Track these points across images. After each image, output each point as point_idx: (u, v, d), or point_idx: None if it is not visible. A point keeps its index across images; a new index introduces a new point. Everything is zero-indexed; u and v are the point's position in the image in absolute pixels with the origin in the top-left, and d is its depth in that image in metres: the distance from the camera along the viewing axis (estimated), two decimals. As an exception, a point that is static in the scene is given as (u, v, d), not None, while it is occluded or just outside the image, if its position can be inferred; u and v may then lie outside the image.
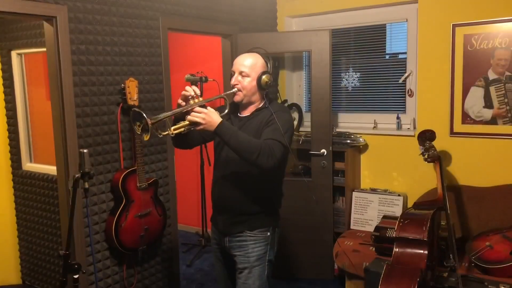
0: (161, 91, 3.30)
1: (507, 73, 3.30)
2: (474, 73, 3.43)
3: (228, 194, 2.30)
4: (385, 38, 3.99)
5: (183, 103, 2.11)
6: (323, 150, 3.76)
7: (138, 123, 1.98)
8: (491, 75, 3.37)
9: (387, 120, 3.97)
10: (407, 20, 3.80)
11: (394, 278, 2.54)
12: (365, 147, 4.01)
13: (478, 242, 3.10)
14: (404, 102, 3.91)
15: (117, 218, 2.92)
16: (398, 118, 3.85)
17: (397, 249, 2.73)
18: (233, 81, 2.30)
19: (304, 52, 4.34)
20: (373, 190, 3.88)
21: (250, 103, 2.33)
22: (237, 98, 2.30)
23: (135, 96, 2.99)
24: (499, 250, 2.96)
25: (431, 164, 3.70)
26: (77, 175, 1.87)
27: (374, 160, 3.97)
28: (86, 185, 1.90)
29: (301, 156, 4.08)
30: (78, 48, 2.80)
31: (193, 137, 2.38)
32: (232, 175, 2.29)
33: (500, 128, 3.39)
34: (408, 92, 3.85)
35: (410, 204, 3.77)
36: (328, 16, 4.14)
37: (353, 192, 3.91)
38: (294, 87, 4.48)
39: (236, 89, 2.29)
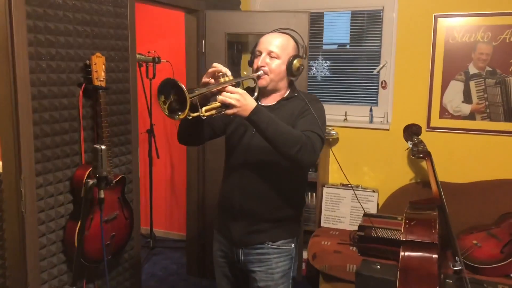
0: (127, 70, 2.77)
1: (488, 68, 3.27)
2: (454, 67, 3.36)
3: (249, 196, 1.92)
4: (361, 25, 3.79)
5: (212, 81, 1.70)
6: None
7: (163, 98, 1.54)
8: (472, 70, 3.31)
9: (358, 113, 3.79)
10: (383, 8, 3.63)
11: (413, 286, 2.33)
12: (335, 140, 3.80)
13: (464, 240, 3.03)
14: (377, 94, 3.75)
15: (81, 224, 2.37)
16: (371, 110, 3.68)
17: (404, 253, 2.52)
18: (259, 63, 1.91)
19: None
20: (345, 186, 3.68)
21: (274, 90, 1.96)
22: (262, 83, 1.92)
23: (102, 76, 2.45)
24: (488, 249, 2.91)
25: (404, 159, 3.62)
26: (91, 181, 1.37)
27: (344, 154, 3.78)
28: (102, 195, 1.41)
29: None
30: (34, 11, 2.19)
31: (203, 128, 1.96)
32: (254, 173, 1.91)
33: (478, 124, 3.36)
34: (381, 84, 3.69)
35: (381, 201, 3.64)
36: (296, -1, 3.85)
37: (324, 188, 3.68)
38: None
39: (261, 71, 1.90)
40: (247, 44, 4.04)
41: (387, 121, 3.65)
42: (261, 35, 2.02)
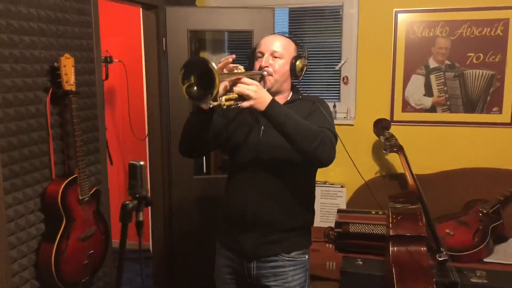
0: (92, 72, 2.54)
1: (447, 62, 3.38)
2: (415, 61, 3.44)
3: (263, 204, 1.80)
4: (320, 21, 3.77)
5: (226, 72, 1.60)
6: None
7: (187, 82, 1.44)
8: (432, 64, 3.41)
9: (321, 109, 3.78)
10: (343, 4, 3.64)
11: (410, 282, 2.35)
12: (300, 137, 3.76)
13: (436, 230, 3.11)
14: (339, 90, 3.76)
15: (57, 245, 2.13)
16: (334, 106, 3.69)
17: (394, 248, 2.54)
18: (263, 63, 1.81)
19: (225, 33, 3.89)
20: (313, 183, 3.66)
21: (277, 92, 1.87)
22: (266, 84, 1.82)
23: (72, 79, 2.21)
24: (461, 237, 3.01)
25: (369, 154, 3.67)
26: (131, 204, 1.19)
27: (309, 151, 3.74)
28: (141, 217, 1.23)
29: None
30: (-4, 7, 1.93)
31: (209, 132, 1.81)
32: (267, 178, 1.80)
33: (439, 116, 3.47)
34: (343, 80, 3.71)
35: (348, 196, 3.66)
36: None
37: (292, 186, 3.63)
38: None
39: (265, 72, 1.80)
40: (204, 42, 3.89)
41: (350, 117, 3.67)
42: (225, 32, 1.92)
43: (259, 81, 1.81)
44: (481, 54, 3.31)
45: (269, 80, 1.82)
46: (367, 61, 3.56)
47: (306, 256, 1.89)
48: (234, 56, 1.62)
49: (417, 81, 3.46)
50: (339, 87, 3.75)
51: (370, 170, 3.65)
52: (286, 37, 1.92)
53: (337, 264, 2.95)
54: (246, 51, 4.03)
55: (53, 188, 2.17)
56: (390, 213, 2.63)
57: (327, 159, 1.67)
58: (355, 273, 2.82)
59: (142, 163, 1.23)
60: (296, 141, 1.61)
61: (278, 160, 1.80)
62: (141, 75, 3.93)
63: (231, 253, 1.89)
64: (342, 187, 3.60)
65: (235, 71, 1.61)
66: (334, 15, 3.71)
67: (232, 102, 1.55)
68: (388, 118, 3.51)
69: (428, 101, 3.47)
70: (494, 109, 3.34)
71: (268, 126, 1.82)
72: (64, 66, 2.16)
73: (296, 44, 1.93)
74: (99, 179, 2.61)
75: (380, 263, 2.88)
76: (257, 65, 1.85)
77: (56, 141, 2.27)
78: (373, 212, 3.20)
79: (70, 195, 2.19)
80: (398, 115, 3.53)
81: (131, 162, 1.22)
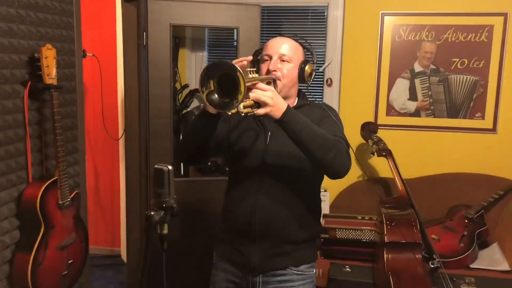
0: (73, 65, 2.34)
1: (432, 66, 3.37)
2: (400, 65, 3.41)
3: (270, 214, 1.67)
4: (304, 21, 3.68)
5: None
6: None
7: (206, 88, 1.34)
8: (417, 68, 3.39)
9: (304, 111, 3.69)
10: (328, 4, 3.56)
11: (408, 289, 2.29)
12: (282, 139, 3.66)
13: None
14: (322, 92, 3.68)
15: (35, 255, 1.93)
16: (318, 108, 3.60)
17: (389, 255, 2.47)
18: (271, 66, 1.69)
19: (206, 30, 3.74)
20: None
21: (285, 98, 1.74)
22: None
23: (54, 72, 2.01)
24: (447, 242, 2.99)
25: (352, 157, 3.60)
26: (157, 215, 1.02)
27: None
28: (166, 230, 1.07)
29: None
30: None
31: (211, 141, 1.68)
32: (275, 187, 1.68)
33: (423, 120, 3.45)
34: (327, 82, 3.64)
35: (331, 200, 3.59)
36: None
37: (274, 190, 3.52)
38: (194, 70, 3.82)
39: (273, 76, 1.69)
40: (184, 39, 3.72)
41: (334, 119, 3.60)
42: (210, 27, 1.80)
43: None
44: (465, 60, 3.31)
45: (277, 85, 1.70)
46: (351, 63, 3.50)
47: (314, 270, 1.78)
48: (250, 58, 1.50)
49: (401, 85, 3.43)
50: (322, 89, 3.67)
51: (353, 174, 3.59)
52: (294, 39, 1.80)
53: (324, 271, 2.87)
54: (226, 49, 3.93)
55: (30, 192, 1.96)
56: (384, 219, 2.57)
57: (343, 170, 1.57)
58: (344, 281, 2.74)
59: (170, 167, 1.07)
60: (312, 151, 1.51)
61: (286, 169, 1.69)
62: (116, 71, 3.73)
63: (233, 267, 1.75)
64: (325, 191, 3.52)
65: (250, 75, 1.48)
66: (319, 16, 3.63)
67: (249, 109, 1.42)
68: (372, 121, 3.47)
69: (412, 105, 3.44)
70: (477, 114, 3.35)
71: (275, 132, 1.71)
72: (45, 58, 1.97)
73: (304, 47, 1.82)
74: (77, 181, 2.41)
75: (369, 269, 2.82)
76: (263, 68, 1.73)
77: (34, 139, 2.06)
78: (359, 217, 3.14)
79: (49, 199, 2.00)
80: (382, 118, 3.49)
81: (157, 166, 1.06)
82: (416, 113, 3.45)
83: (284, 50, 1.73)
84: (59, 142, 2.02)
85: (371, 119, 3.48)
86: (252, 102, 1.43)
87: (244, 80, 1.27)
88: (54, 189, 2.02)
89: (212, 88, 1.34)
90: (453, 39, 3.32)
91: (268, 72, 1.70)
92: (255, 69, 1.51)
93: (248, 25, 3.17)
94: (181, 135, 3.59)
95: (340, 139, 1.61)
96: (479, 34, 3.28)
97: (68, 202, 2.08)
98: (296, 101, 1.83)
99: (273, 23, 3.68)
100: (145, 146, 3.17)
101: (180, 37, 3.64)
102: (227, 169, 1.89)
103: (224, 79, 1.32)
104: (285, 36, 1.80)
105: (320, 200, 1.85)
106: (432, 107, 3.42)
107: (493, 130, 3.33)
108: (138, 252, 3.31)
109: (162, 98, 3.08)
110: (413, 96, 3.43)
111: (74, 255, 2.17)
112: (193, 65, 3.82)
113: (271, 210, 1.67)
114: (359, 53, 3.46)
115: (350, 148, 1.69)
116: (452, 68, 3.34)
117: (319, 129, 1.55)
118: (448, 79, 3.36)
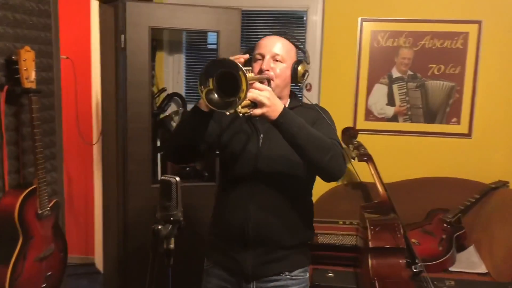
0: (51, 68, 2.25)
1: (410, 72, 3.41)
2: (379, 70, 3.44)
3: (265, 220, 1.64)
4: (284, 26, 3.67)
5: None
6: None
7: (204, 87, 1.29)
8: (395, 73, 3.43)
9: (283, 115, 3.68)
10: (307, 9, 3.57)
11: (394, 296, 2.29)
12: (261, 144, 3.63)
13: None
14: (301, 97, 3.66)
15: (13, 268, 1.84)
16: (297, 113, 3.60)
17: (374, 261, 2.47)
18: (264, 66, 1.66)
19: (183, 33, 3.68)
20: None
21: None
22: None
23: (33, 75, 1.93)
24: (427, 246, 3.02)
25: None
26: (164, 230, 0.97)
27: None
28: (172, 245, 1.01)
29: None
30: None
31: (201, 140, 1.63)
32: (268, 192, 1.66)
33: (400, 125, 3.49)
34: (306, 87, 3.63)
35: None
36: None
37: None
38: (171, 74, 3.75)
39: (268, 76, 1.66)
40: (161, 42, 3.65)
41: (313, 124, 3.61)
42: (190, 31, 1.76)
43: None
44: (442, 66, 3.37)
45: (271, 85, 1.67)
46: (331, 68, 3.51)
47: (307, 274, 1.77)
48: (247, 56, 1.47)
49: (380, 90, 3.46)
50: (302, 94, 3.66)
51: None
52: (287, 39, 1.78)
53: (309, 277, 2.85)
54: (203, 52, 3.87)
55: (8, 201, 1.87)
56: (368, 225, 2.57)
57: (339, 172, 1.56)
58: (327, 286, 2.73)
59: (178, 179, 1.02)
60: (309, 154, 1.49)
61: (279, 173, 1.66)
62: (90, 74, 3.63)
63: (226, 273, 1.71)
64: (305, 196, 3.51)
65: (247, 74, 1.44)
66: (298, 20, 3.63)
67: (247, 109, 1.39)
68: (351, 126, 3.49)
69: (390, 111, 3.48)
70: (453, 120, 3.42)
71: (267, 135, 1.68)
72: (24, 60, 1.88)
73: (297, 47, 1.80)
74: (55, 189, 2.32)
75: (352, 274, 2.82)
76: (256, 67, 1.70)
77: (11, 146, 1.96)
78: (341, 222, 3.14)
79: (28, 209, 1.90)
80: (361, 123, 3.51)
81: (163, 178, 1.00)
82: (394, 118, 3.48)
83: (278, 50, 1.70)
84: (38, 148, 1.93)
85: (350, 124, 3.49)
86: (248, 102, 1.40)
87: (247, 79, 1.23)
88: (32, 198, 1.93)
89: (211, 86, 1.30)
90: (430, 46, 3.37)
91: (261, 71, 1.67)
92: (250, 68, 1.49)
93: (229, 28, 3.14)
94: (158, 140, 3.52)
95: (336, 142, 1.60)
96: (454, 41, 3.34)
97: (47, 212, 1.99)
98: (289, 102, 1.80)
99: (252, 27, 3.65)
100: (123, 152, 3.09)
101: (157, 40, 3.57)
102: (219, 172, 1.85)
103: (224, 78, 1.28)
104: (278, 35, 1.77)
105: (312, 203, 1.84)
106: (409, 112, 3.46)
107: (469, 135, 3.40)
108: (115, 260, 3.22)
109: (140, 102, 3.01)
110: (391, 102, 3.47)
111: (53, 266, 2.08)
112: (170, 68, 3.75)
113: (265, 218, 1.65)
114: (338, 58, 3.47)
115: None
116: (429, 74, 3.40)
117: (316, 131, 1.53)
118: (425, 85, 3.41)
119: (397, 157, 3.49)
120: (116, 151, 3.11)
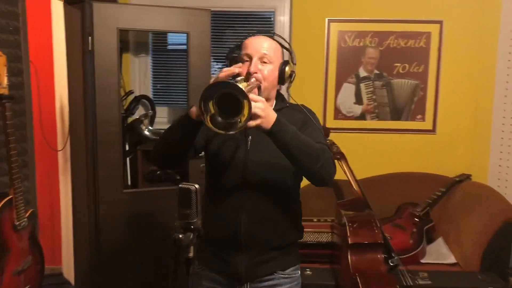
0: (20, 73, 2.15)
1: (376, 71, 3.50)
2: (346, 70, 3.51)
3: (256, 225, 1.64)
4: (252, 27, 3.67)
5: None
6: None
7: (207, 114, 1.27)
8: (362, 73, 3.51)
9: (253, 116, 3.69)
10: (275, 10, 3.59)
11: (375, 289, 2.34)
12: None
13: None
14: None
15: (-9, 284, 1.75)
16: (267, 113, 3.61)
17: (353, 257, 2.52)
18: (252, 68, 1.64)
19: (150, 34, 3.62)
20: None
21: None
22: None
23: (5, 81, 1.84)
24: (399, 240, 3.10)
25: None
26: (185, 239, 0.93)
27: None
28: (191, 253, 0.98)
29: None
30: None
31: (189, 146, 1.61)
32: (258, 194, 1.65)
33: (368, 123, 3.58)
34: (275, 86, 3.65)
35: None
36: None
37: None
38: (137, 76, 3.68)
39: (259, 83, 1.64)
40: (127, 43, 3.57)
41: (283, 124, 3.63)
42: (159, 32, 1.73)
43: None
44: (406, 65, 3.48)
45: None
46: (299, 68, 3.49)
47: (299, 272, 1.79)
48: (240, 64, 1.45)
49: (348, 89, 3.53)
50: (288, 94, 3.68)
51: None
52: (274, 39, 1.77)
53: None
54: (170, 53, 3.82)
55: (-16, 212, 1.77)
56: (346, 221, 2.62)
57: (329, 178, 1.57)
58: (307, 284, 2.74)
59: (197, 186, 1.00)
60: (301, 161, 1.50)
61: (268, 179, 1.66)
62: (52, 77, 3.49)
63: (218, 275, 1.70)
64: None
65: (239, 85, 1.42)
66: (266, 21, 3.64)
67: (243, 123, 1.37)
68: (322, 125, 3.53)
69: (358, 109, 3.56)
70: (418, 116, 3.53)
71: (255, 137, 1.67)
72: (-4, 65, 1.79)
73: (283, 47, 1.80)
74: (28, 198, 2.22)
75: (329, 271, 2.86)
76: (244, 69, 1.68)
77: (-17, 155, 1.87)
78: (315, 220, 3.18)
79: (4, 221, 1.82)
80: (331, 122, 3.57)
81: (182, 185, 0.98)
82: (362, 116, 3.57)
83: (265, 50, 1.68)
84: (13, 157, 1.85)
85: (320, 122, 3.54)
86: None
87: (250, 102, 1.22)
88: (8, 209, 1.84)
89: (212, 111, 1.27)
90: (394, 45, 3.47)
91: (248, 74, 1.66)
92: (243, 77, 1.47)
93: (198, 29, 3.11)
94: (126, 144, 3.45)
95: (325, 147, 1.61)
96: (418, 40, 3.46)
97: (24, 223, 1.91)
98: (275, 103, 1.80)
99: (220, 28, 3.63)
100: (93, 157, 3.00)
101: (123, 41, 3.49)
102: (206, 180, 1.81)
103: (223, 99, 1.26)
104: (265, 35, 1.75)
105: (300, 203, 1.84)
106: (376, 110, 3.55)
107: (433, 131, 3.52)
108: (87, 270, 3.12)
109: (110, 105, 2.93)
110: (358, 100, 3.54)
111: (31, 279, 2.00)
112: (136, 70, 3.67)
113: (256, 225, 1.64)
114: (307, 58, 3.51)
115: None
116: (394, 72, 3.50)
117: (306, 138, 1.53)
118: (391, 83, 3.51)
119: (365, 154, 3.57)
120: (85, 156, 3.01)
